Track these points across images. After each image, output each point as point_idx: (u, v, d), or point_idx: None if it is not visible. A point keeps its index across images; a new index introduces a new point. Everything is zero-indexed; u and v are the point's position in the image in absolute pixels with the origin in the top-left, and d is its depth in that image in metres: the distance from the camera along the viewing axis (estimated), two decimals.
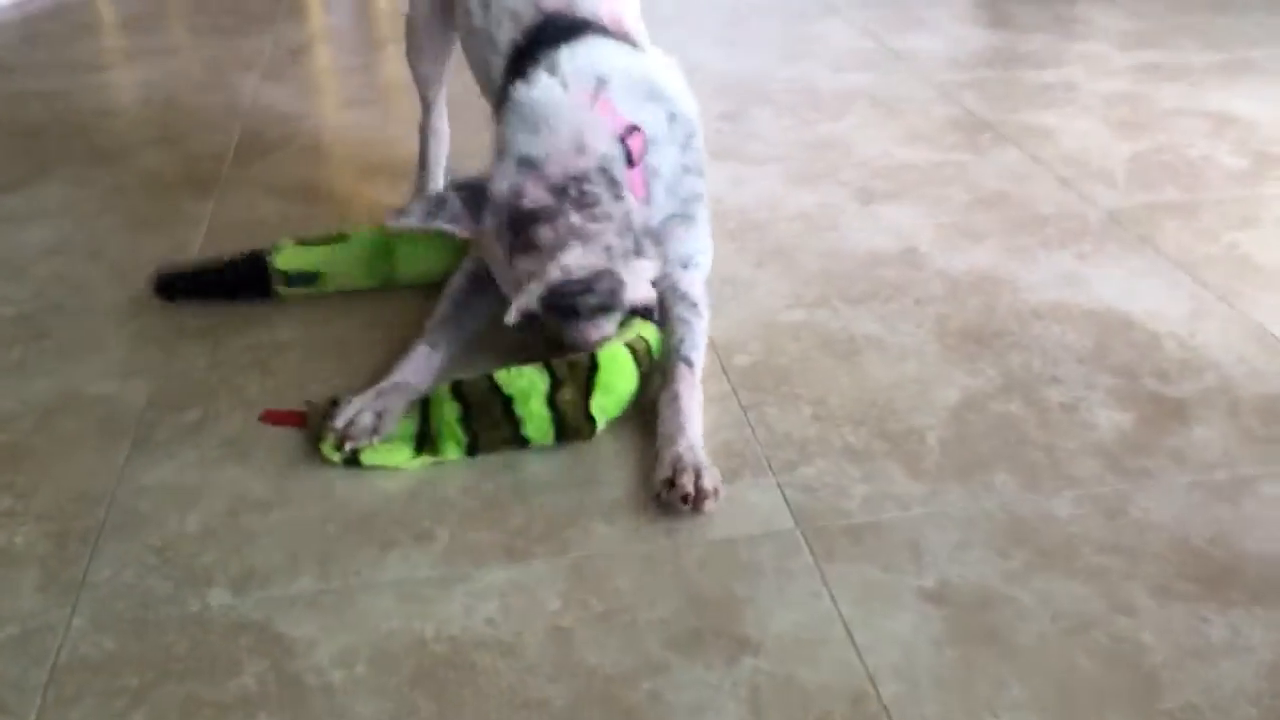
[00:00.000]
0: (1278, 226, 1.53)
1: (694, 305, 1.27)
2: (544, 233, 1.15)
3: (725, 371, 1.26)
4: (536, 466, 1.12)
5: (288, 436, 1.17)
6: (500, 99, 1.29)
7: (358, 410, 1.13)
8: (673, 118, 1.26)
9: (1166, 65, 2.16)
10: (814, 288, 1.42)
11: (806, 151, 1.83)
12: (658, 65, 1.29)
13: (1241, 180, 1.68)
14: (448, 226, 1.19)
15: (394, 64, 2.31)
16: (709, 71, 2.19)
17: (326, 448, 1.13)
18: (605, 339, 1.18)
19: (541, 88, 1.21)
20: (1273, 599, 0.93)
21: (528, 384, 1.11)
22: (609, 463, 1.12)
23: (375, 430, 1.12)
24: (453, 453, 1.12)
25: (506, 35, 1.32)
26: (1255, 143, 1.80)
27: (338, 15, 2.72)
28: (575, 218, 1.15)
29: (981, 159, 1.78)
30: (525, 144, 1.18)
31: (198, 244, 1.56)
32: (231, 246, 1.55)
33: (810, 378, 1.25)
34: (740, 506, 1.06)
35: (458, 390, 1.13)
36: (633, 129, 1.21)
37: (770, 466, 1.11)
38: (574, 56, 1.23)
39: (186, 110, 2.07)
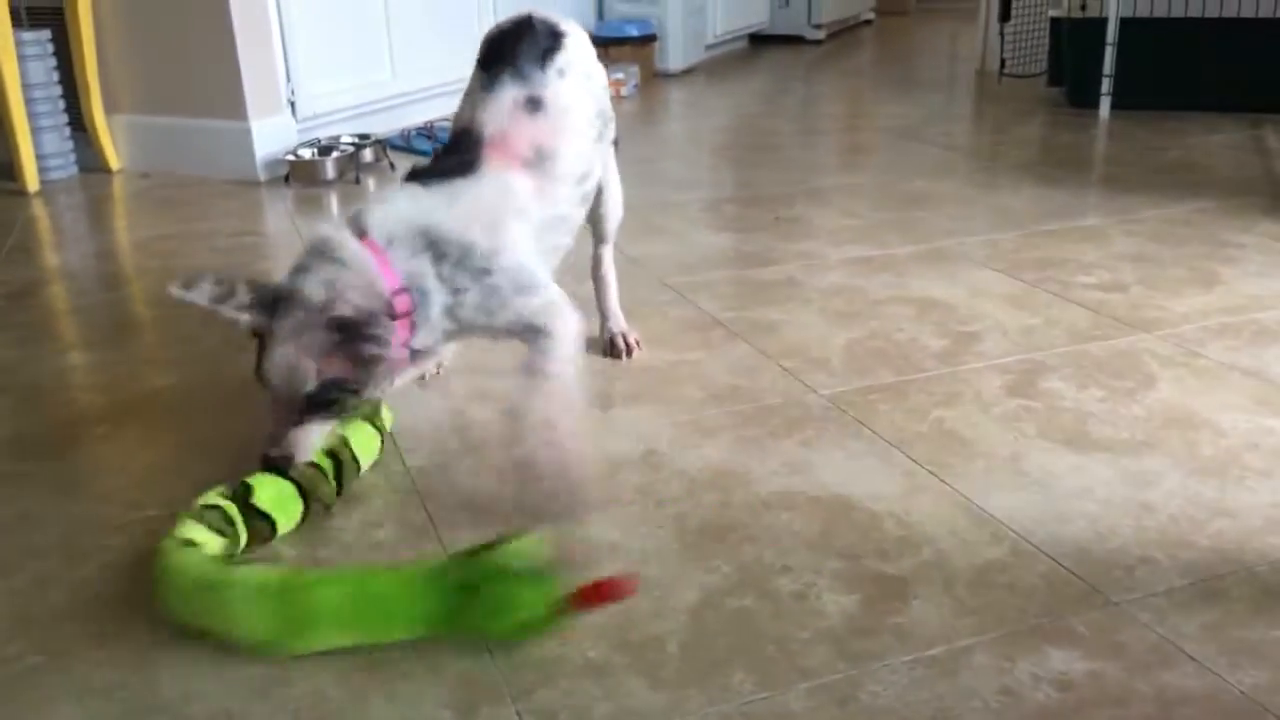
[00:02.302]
0: (976, 401, 1.67)
1: (541, 328, 1.44)
2: (358, 345, 1.32)
3: None
4: None
5: None
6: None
7: None
8: (441, 258, 1.40)
9: (875, 258, 2.37)
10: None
11: None
12: (449, 209, 1.44)
13: (943, 359, 1.83)
14: (234, 314, 1.31)
15: (135, 301, 2.24)
16: None
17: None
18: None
19: (353, 244, 1.38)
20: None
21: None
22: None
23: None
24: None
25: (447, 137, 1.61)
26: (953, 323, 1.98)
27: (71, 254, 2.64)
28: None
29: (714, 356, 1.87)
30: (334, 272, 1.34)
31: None
32: None
33: None
34: None
35: None
36: (400, 291, 1.37)
37: (509, 695, 1.08)
38: (384, 215, 1.41)
39: None
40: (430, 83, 3.78)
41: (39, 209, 3.00)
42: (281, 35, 3.22)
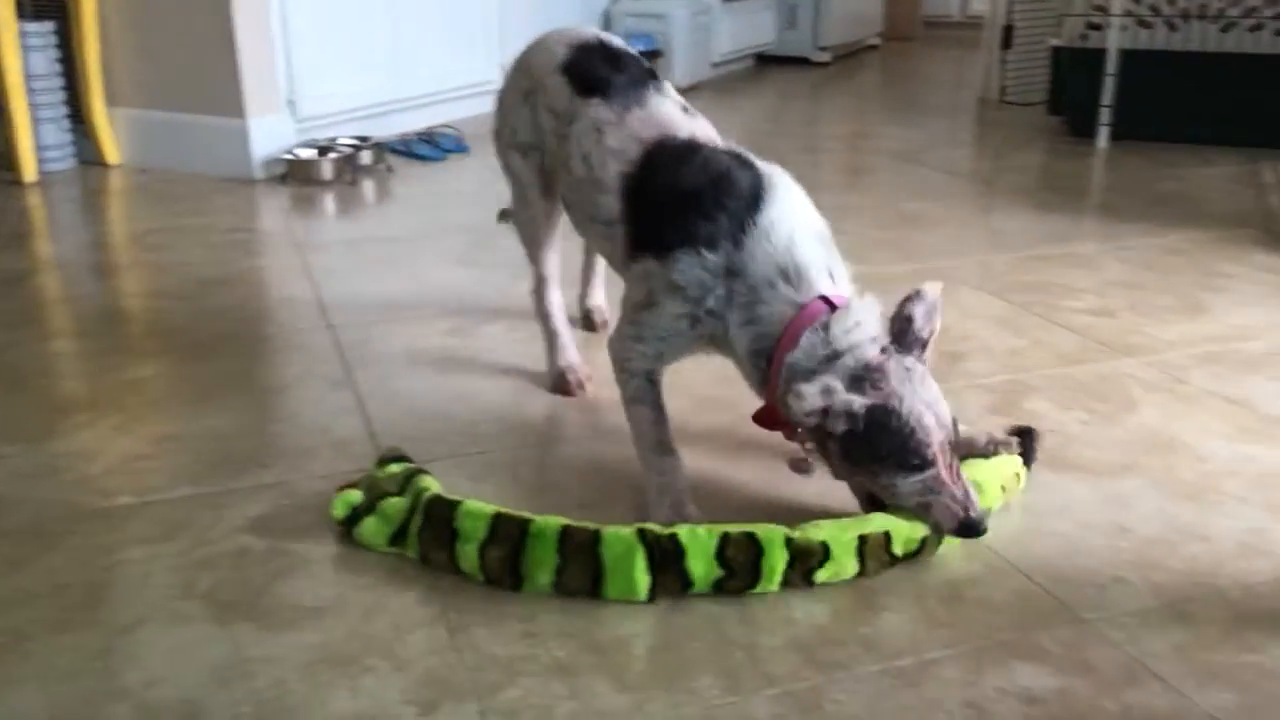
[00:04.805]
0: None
1: None
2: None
3: (435, 589, 1.23)
4: None
5: None
6: (633, 233, 1.46)
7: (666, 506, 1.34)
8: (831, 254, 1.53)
9: (865, 274, 2.35)
10: (541, 499, 1.42)
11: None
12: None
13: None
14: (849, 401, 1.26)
15: (124, 293, 2.24)
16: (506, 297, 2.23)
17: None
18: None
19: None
20: None
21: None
22: None
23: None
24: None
25: (613, 172, 1.49)
26: (940, 342, 1.96)
27: (64, 244, 2.63)
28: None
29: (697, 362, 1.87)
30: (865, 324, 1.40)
31: None
32: None
33: (524, 593, 1.23)
34: None
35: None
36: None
37: (473, 693, 1.07)
38: (810, 256, 1.47)
39: None
40: (432, 89, 3.78)
41: (35, 199, 3.00)
42: (284, 35, 3.23)
